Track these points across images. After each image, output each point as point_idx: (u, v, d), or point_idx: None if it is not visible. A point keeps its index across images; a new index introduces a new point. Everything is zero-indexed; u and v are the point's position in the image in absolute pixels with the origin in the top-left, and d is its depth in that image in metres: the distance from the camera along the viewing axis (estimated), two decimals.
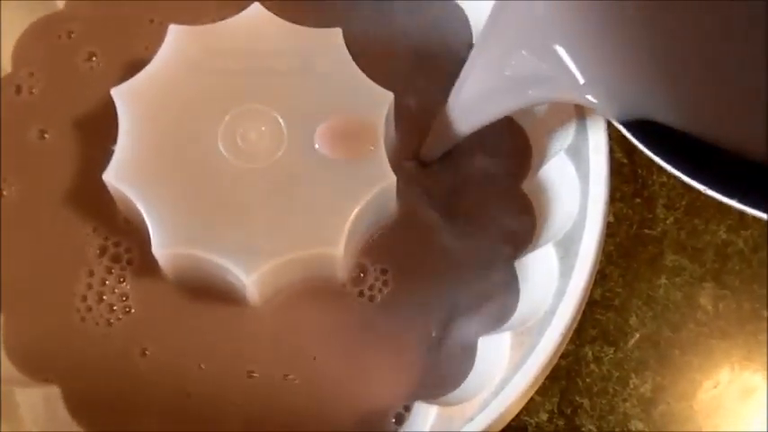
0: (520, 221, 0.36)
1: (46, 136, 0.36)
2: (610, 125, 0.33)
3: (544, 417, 0.39)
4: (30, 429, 0.32)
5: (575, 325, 0.32)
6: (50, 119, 0.36)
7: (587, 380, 0.39)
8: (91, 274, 0.35)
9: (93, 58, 0.37)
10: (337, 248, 0.33)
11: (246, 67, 0.35)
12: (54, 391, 0.33)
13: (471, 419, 0.31)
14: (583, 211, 0.33)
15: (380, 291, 0.35)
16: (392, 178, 0.34)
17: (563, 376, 0.39)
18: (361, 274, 0.35)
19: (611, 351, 0.40)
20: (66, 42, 0.38)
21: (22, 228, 0.35)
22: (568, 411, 0.39)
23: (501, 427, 0.31)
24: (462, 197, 0.36)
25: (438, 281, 0.35)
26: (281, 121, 0.34)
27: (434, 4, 0.38)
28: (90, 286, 0.34)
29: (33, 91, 0.37)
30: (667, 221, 0.42)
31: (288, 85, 0.35)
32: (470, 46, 0.38)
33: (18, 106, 0.37)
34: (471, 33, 0.38)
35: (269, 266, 0.33)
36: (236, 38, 0.35)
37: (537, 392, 0.33)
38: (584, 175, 0.33)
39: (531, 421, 0.39)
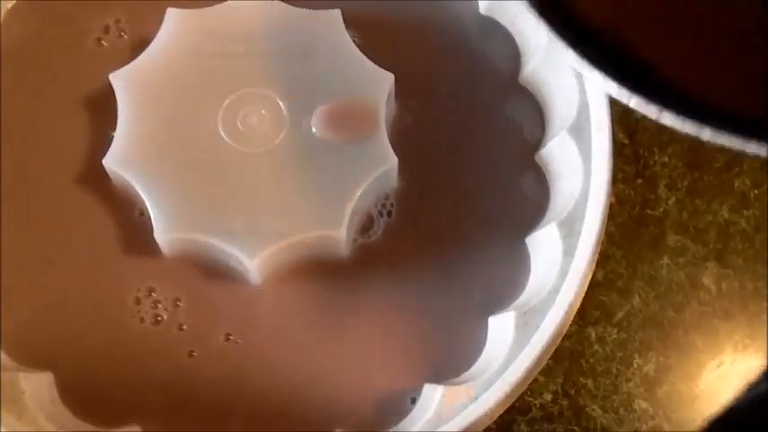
0: (532, 197, 0.35)
1: (47, 120, 0.36)
2: (612, 104, 0.33)
3: (548, 397, 0.39)
4: (34, 415, 0.31)
5: (578, 304, 0.32)
6: (51, 102, 0.36)
7: (591, 360, 0.39)
8: (96, 256, 0.35)
9: (92, 40, 0.37)
10: (340, 231, 0.33)
11: (246, 50, 0.35)
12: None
13: (476, 399, 0.31)
14: (585, 189, 0.33)
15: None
16: (393, 161, 0.34)
17: (567, 357, 0.39)
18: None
19: (615, 332, 0.40)
20: (60, 21, 0.37)
21: (23, 213, 0.35)
22: (572, 392, 0.39)
23: (506, 406, 0.31)
24: (476, 171, 0.36)
25: (449, 256, 0.35)
26: (281, 104, 0.34)
27: None
28: (91, 268, 0.34)
29: (32, 74, 0.36)
30: (669, 202, 0.42)
31: (288, 68, 0.34)
32: (477, 19, 0.37)
33: (19, 90, 0.36)
34: (478, 5, 0.37)
35: (271, 250, 0.32)
36: (235, 21, 0.35)
37: (541, 373, 0.33)
38: (586, 155, 0.33)
39: (536, 402, 0.39)
